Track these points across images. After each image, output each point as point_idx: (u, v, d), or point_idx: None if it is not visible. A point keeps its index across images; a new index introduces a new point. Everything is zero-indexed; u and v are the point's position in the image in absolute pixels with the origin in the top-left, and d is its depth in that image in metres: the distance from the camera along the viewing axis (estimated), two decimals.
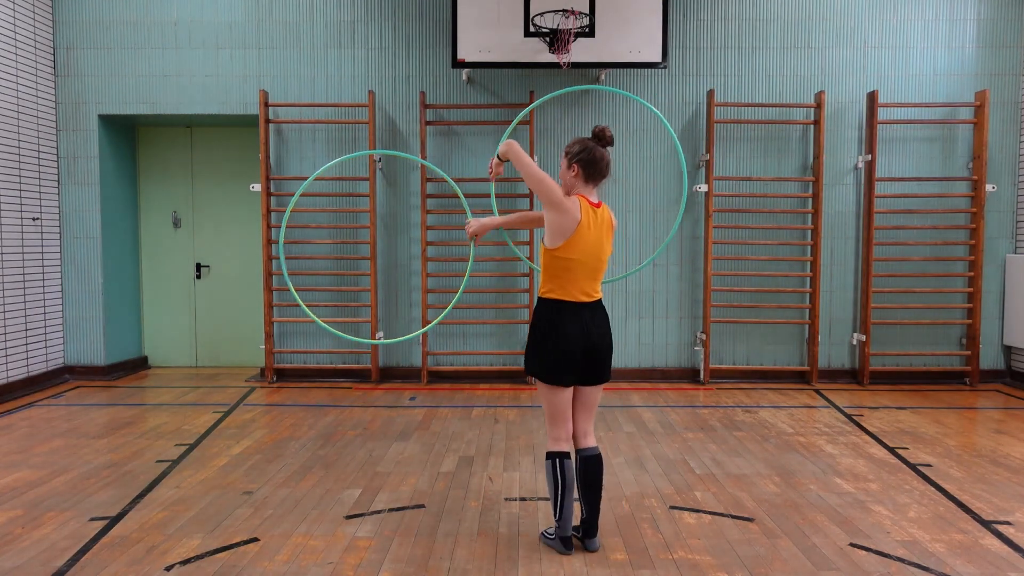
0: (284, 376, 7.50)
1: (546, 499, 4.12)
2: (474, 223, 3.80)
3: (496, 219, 3.82)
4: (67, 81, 7.41)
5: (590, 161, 3.36)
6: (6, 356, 6.67)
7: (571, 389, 3.46)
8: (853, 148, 7.38)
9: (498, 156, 3.58)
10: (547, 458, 3.43)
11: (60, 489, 4.27)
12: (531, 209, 7.29)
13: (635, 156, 7.40)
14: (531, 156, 7.17)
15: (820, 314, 7.31)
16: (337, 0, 7.40)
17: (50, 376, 7.24)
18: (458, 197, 4.32)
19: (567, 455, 3.42)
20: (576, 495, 3.46)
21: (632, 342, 7.48)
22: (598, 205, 3.41)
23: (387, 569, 3.27)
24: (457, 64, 6.73)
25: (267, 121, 7.27)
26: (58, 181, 7.39)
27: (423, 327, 7.26)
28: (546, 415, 3.47)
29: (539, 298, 3.46)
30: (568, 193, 3.40)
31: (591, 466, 3.43)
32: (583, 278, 3.37)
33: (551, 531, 3.52)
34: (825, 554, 3.44)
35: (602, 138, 3.40)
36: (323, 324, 4.14)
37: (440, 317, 4.56)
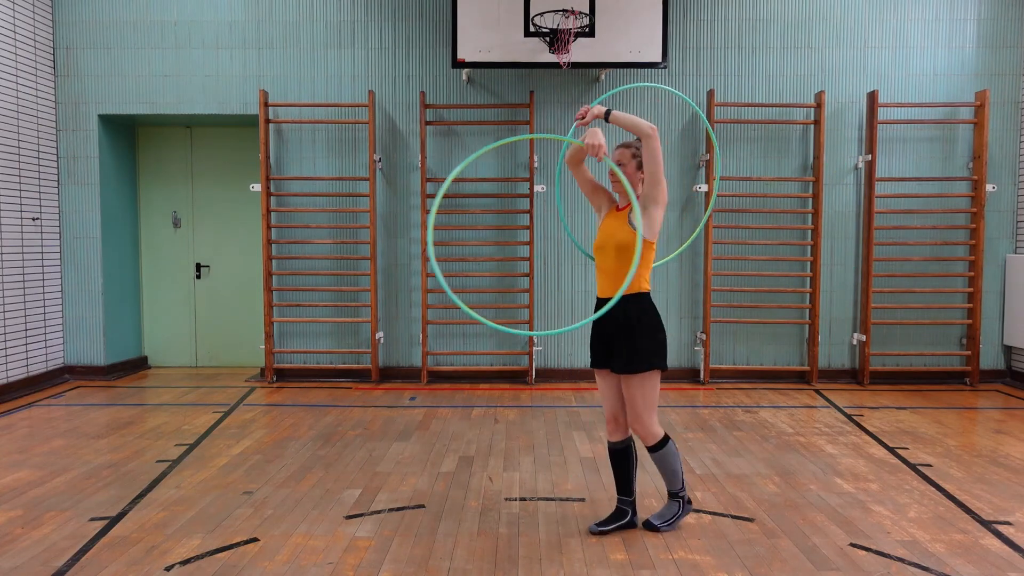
0: (284, 376, 7.50)
1: (546, 499, 4.13)
2: (599, 137, 3.37)
3: (600, 108, 3.45)
4: (67, 81, 7.41)
5: None
6: (6, 356, 6.67)
7: None
8: (853, 148, 7.38)
9: (607, 113, 3.43)
10: (665, 442, 3.57)
11: (60, 489, 4.27)
12: (531, 215, 7.27)
13: None
14: (532, 157, 7.18)
15: (820, 314, 7.31)
16: (337, 0, 7.40)
17: (50, 376, 7.24)
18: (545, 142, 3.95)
19: None
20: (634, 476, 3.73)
21: None
22: None
23: (387, 569, 3.27)
24: (457, 64, 6.72)
25: (267, 121, 7.27)
26: (58, 181, 7.39)
27: (423, 327, 7.27)
28: (651, 405, 3.52)
29: (643, 293, 3.51)
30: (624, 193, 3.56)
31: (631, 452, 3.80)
32: None
33: (666, 516, 3.67)
34: (825, 554, 3.44)
35: None
36: (490, 323, 3.68)
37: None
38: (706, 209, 4.62)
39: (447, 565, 3.32)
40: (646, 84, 5.24)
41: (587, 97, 7.39)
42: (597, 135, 3.39)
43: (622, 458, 3.69)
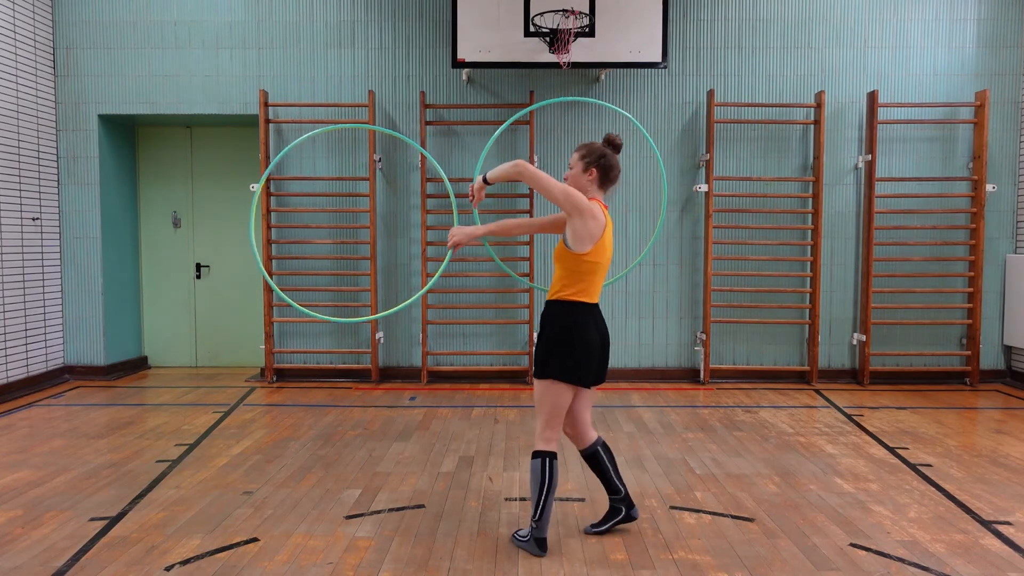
0: (284, 376, 7.50)
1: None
2: (459, 234, 3.65)
3: (480, 228, 3.69)
4: (67, 81, 7.41)
5: (608, 167, 3.47)
6: (6, 356, 6.67)
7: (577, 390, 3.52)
8: (853, 148, 7.38)
9: (484, 179, 3.56)
10: (535, 457, 3.41)
11: (60, 489, 4.27)
12: (531, 214, 7.29)
13: (634, 156, 7.40)
14: (532, 159, 7.18)
15: (820, 314, 7.31)
16: (337, 0, 7.40)
17: (50, 376, 7.24)
18: (449, 197, 4.14)
19: (556, 455, 3.43)
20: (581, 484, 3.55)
21: (632, 342, 7.48)
22: (606, 208, 3.51)
23: (387, 569, 3.27)
24: (457, 64, 6.72)
25: (267, 121, 7.27)
26: (58, 181, 7.39)
27: (423, 327, 7.27)
28: (546, 416, 3.43)
29: (560, 301, 3.42)
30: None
31: (610, 449, 3.73)
32: (602, 279, 3.49)
33: (524, 533, 3.52)
34: (825, 554, 3.44)
35: (616, 145, 3.51)
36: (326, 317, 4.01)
37: (411, 300, 4.39)
38: (656, 224, 4.66)
39: (447, 565, 3.32)
40: (581, 99, 5.30)
41: (587, 97, 7.39)
42: (456, 234, 3.65)
43: (595, 462, 3.65)
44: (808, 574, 3.24)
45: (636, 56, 6.72)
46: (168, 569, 3.26)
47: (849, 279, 7.44)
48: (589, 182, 3.46)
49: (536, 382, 3.46)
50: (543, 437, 3.43)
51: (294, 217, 7.48)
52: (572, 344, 3.37)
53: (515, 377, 7.47)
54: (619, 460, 4.84)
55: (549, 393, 3.40)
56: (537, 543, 3.42)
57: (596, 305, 3.49)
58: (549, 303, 3.48)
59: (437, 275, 4.14)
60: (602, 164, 3.44)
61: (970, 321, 7.26)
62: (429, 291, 7.31)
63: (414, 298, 4.33)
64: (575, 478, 4.50)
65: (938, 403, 6.60)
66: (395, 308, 4.43)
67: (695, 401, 6.64)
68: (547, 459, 3.39)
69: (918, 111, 7.33)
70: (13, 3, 6.79)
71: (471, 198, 3.67)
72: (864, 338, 7.25)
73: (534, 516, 3.40)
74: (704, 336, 7.28)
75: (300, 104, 7.30)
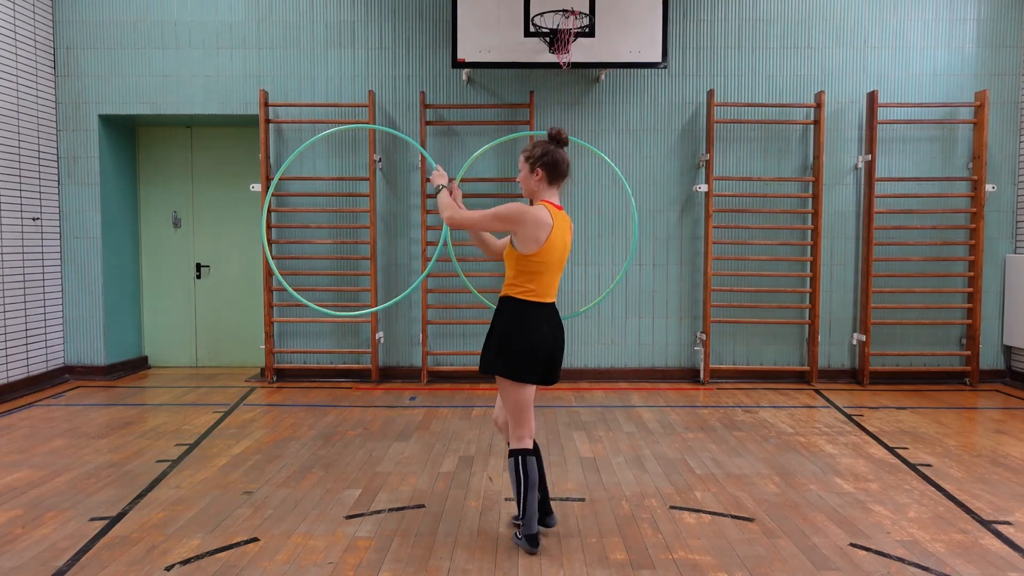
0: (284, 376, 7.50)
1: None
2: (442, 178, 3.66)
3: (452, 196, 3.66)
4: (67, 81, 7.41)
5: (553, 164, 3.42)
6: (6, 356, 6.67)
7: (534, 388, 3.51)
8: (853, 148, 7.38)
9: (443, 187, 3.61)
10: (511, 456, 3.45)
11: (60, 489, 4.27)
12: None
13: (635, 156, 7.40)
14: None
15: (820, 314, 7.31)
16: (337, 0, 7.40)
17: (50, 376, 7.24)
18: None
19: (531, 452, 3.47)
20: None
21: (632, 342, 7.48)
22: (560, 208, 3.45)
23: (387, 569, 3.27)
24: (457, 64, 6.72)
25: (267, 121, 7.27)
26: (58, 181, 7.39)
27: (423, 327, 7.28)
28: (513, 415, 3.47)
29: (513, 298, 3.42)
30: (532, 197, 3.50)
31: (539, 456, 3.64)
32: (555, 279, 3.46)
33: (517, 536, 3.53)
34: (825, 554, 3.44)
35: (559, 140, 3.45)
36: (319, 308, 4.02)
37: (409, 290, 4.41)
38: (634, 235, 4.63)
39: (447, 565, 3.32)
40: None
41: (587, 96, 7.40)
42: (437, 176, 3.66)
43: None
44: (808, 574, 3.24)
45: (636, 56, 6.72)
46: (168, 569, 3.27)
47: (849, 279, 7.44)
48: (537, 183, 3.45)
49: (498, 379, 3.47)
50: (514, 436, 3.49)
51: (294, 217, 7.48)
52: (521, 342, 3.37)
53: None
54: (619, 460, 4.85)
55: (509, 392, 3.44)
56: (528, 540, 3.43)
57: (550, 304, 3.47)
58: (502, 299, 3.48)
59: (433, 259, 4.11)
60: (546, 162, 3.40)
61: (970, 321, 7.26)
62: (429, 291, 7.31)
63: (414, 284, 4.28)
64: (575, 478, 4.50)
65: (938, 403, 6.60)
66: (395, 299, 4.43)
67: (695, 401, 6.64)
68: (519, 457, 3.43)
69: (918, 111, 7.33)
70: (13, 3, 6.79)
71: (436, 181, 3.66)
72: (864, 338, 7.25)
73: (518, 515, 3.46)
74: (704, 336, 7.28)
75: (300, 104, 7.30)
